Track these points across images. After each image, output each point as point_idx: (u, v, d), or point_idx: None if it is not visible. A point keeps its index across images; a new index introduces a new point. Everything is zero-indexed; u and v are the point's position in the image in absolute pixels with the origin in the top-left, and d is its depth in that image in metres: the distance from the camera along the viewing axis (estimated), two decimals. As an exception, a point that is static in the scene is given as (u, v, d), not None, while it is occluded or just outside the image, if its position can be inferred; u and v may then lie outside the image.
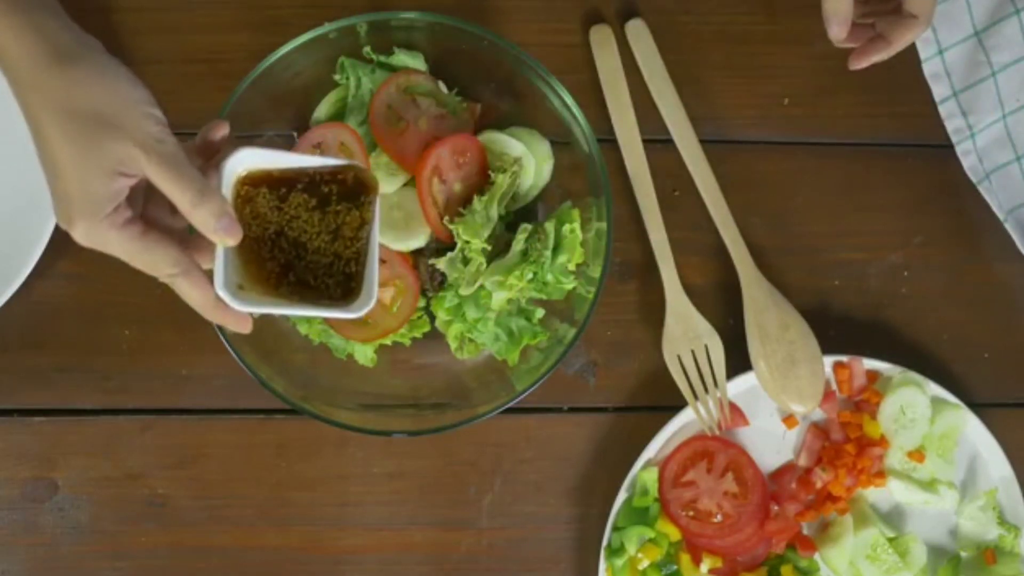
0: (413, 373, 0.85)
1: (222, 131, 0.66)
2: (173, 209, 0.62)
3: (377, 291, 0.67)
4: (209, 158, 0.65)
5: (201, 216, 0.61)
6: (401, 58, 0.82)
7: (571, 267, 0.80)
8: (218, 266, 0.63)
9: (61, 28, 0.60)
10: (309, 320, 0.81)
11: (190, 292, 0.63)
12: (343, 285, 0.68)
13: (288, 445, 0.86)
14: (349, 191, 0.67)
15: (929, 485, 0.88)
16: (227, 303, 0.64)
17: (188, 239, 0.66)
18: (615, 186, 0.88)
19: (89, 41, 0.61)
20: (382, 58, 0.82)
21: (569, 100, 0.79)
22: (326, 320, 0.80)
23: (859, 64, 0.79)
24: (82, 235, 0.60)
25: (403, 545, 0.87)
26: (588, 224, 0.81)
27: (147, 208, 0.65)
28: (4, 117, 0.83)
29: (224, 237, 0.62)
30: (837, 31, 0.76)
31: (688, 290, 0.88)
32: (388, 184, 0.81)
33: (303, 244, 0.67)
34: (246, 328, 0.66)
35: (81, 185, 0.59)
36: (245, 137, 0.79)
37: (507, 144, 0.82)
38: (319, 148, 0.80)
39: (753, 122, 0.91)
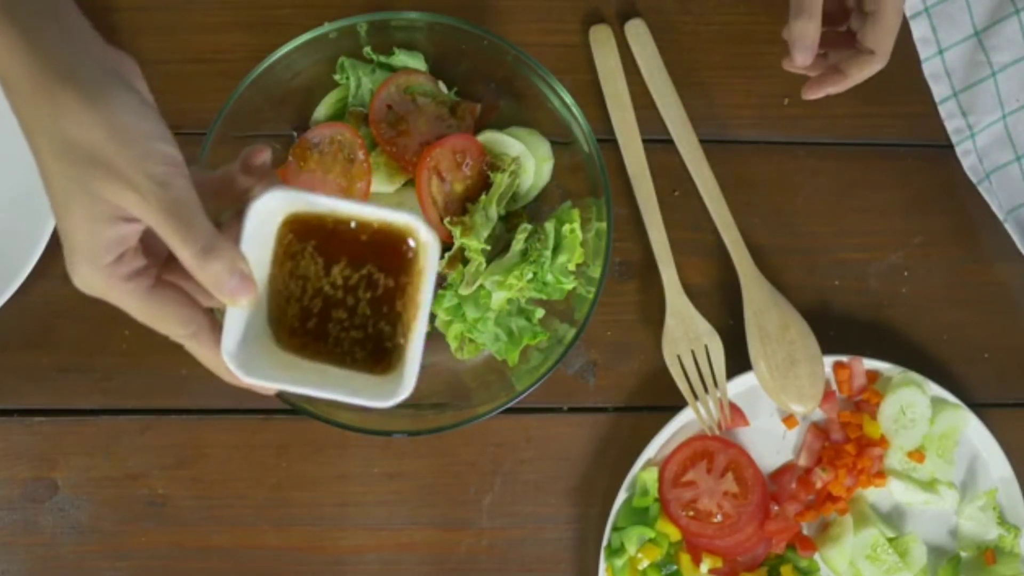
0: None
1: (263, 156, 0.57)
2: None
3: (416, 378, 0.57)
4: (240, 195, 0.56)
5: (206, 276, 0.52)
6: (401, 58, 0.82)
7: (571, 267, 0.80)
8: (227, 329, 0.55)
9: (62, 43, 0.51)
10: None
11: (203, 355, 0.56)
12: (380, 360, 0.59)
13: (288, 445, 0.86)
14: (403, 253, 0.57)
15: (929, 485, 0.88)
16: (235, 374, 0.56)
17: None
18: (615, 186, 0.88)
19: (99, 57, 0.53)
20: (382, 58, 0.82)
21: (569, 100, 0.79)
22: None
23: (813, 95, 0.78)
24: (81, 282, 0.53)
25: (403, 545, 0.87)
26: (588, 224, 0.81)
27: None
28: (4, 117, 0.83)
29: (233, 299, 0.54)
30: (803, 58, 0.73)
31: (688, 290, 0.88)
32: (387, 184, 0.81)
33: (345, 310, 0.58)
34: (270, 393, 0.58)
35: (81, 226, 0.51)
36: (245, 137, 0.79)
37: (506, 144, 0.82)
38: (319, 147, 0.80)
39: (753, 122, 0.91)
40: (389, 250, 0.57)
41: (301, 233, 0.57)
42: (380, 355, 0.59)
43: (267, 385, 0.57)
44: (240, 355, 0.56)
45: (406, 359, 0.57)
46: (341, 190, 0.80)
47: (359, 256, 0.57)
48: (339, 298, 0.58)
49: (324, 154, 0.80)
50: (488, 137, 0.82)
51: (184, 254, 0.52)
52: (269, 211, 0.55)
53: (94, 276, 0.53)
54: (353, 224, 0.57)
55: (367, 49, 0.81)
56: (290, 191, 0.55)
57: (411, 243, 0.57)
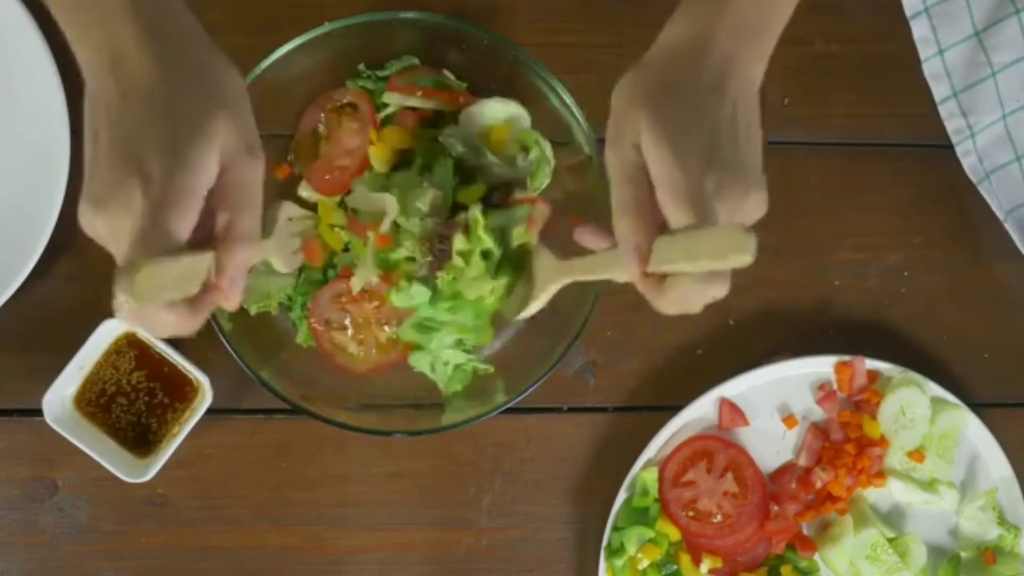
0: (413, 373, 0.85)
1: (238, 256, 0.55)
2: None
3: (157, 469, 0.80)
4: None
5: (239, 257, 0.53)
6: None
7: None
8: (63, 378, 0.80)
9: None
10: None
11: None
12: (141, 445, 0.83)
13: (288, 445, 0.86)
14: (186, 391, 0.83)
15: (929, 485, 0.88)
16: (48, 417, 0.79)
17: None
18: (615, 186, 0.88)
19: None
20: (378, 73, 0.82)
21: (569, 100, 0.79)
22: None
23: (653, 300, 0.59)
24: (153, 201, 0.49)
25: (403, 545, 0.87)
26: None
27: None
28: (4, 117, 0.83)
29: (229, 296, 0.54)
30: (636, 266, 0.56)
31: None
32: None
33: (127, 399, 0.83)
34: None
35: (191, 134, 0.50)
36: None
37: (374, 202, 0.78)
38: (323, 120, 0.81)
39: (753, 122, 0.91)
40: (178, 381, 0.83)
41: (133, 342, 0.82)
42: (143, 442, 0.83)
43: (61, 432, 0.79)
44: (54, 401, 0.80)
45: (158, 454, 0.81)
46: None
47: (156, 375, 0.83)
48: (127, 391, 0.83)
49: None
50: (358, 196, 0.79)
51: (248, 221, 0.53)
52: (117, 324, 0.81)
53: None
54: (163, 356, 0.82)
55: (361, 66, 0.82)
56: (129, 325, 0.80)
57: (195, 386, 0.82)
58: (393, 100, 0.80)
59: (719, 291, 0.54)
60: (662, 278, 0.56)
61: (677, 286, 0.55)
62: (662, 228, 0.55)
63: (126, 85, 0.51)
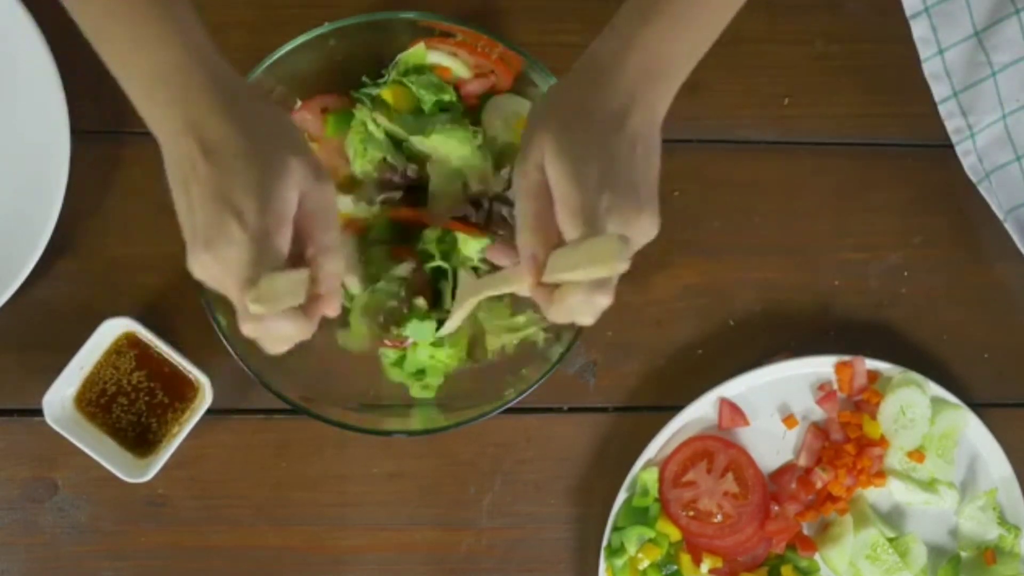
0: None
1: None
2: None
3: (158, 468, 0.81)
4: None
5: (333, 267, 0.60)
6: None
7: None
8: (62, 379, 0.80)
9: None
10: None
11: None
12: (141, 445, 0.83)
13: (288, 445, 0.86)
14: (186, 391, 0.83)
15: (929, 485, 0.88)
16: (48, 417, 0.79)
17: None
18: (615, 186, 0.88)
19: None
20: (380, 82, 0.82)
21: (569, 100, 0.79)
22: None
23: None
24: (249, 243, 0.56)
25: (403, 545, 0.87)
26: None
27: None
28: (4, 117, 0.83)
29: (330, 296, 0.60)
30: (531, 276, 0.60)
31: (688, 290, 0.88)
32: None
33: (128, 399, 0.83)
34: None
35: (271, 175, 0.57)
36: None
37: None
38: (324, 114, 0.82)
39: (753, 122, 0.91)
40: (178, 381, 0.83)
41: (133, 342, 0.83)
42: (143, 442, 0.83)
43: (61, 432, 0.80)
44: (54, 402, 0.80)
45: (158, 454, 0.81)
46: None
47: (157, 375, 0.83)
48: (127, 391, 0.83)
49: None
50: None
51: (330, 237, 0.60)
52: (118, 324, 0.81)
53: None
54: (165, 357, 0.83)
55: (365, 78, 0.82)
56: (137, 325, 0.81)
57: (195, 386, 0.83)
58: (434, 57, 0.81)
59: (603, 300, 0.58)
60: (555, 288, 0.59)
61: (566, 295, 0.58)
62: (561, 243, 0.59)
63: (208, 146, 0.57)
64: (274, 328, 0.58)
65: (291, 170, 0.58)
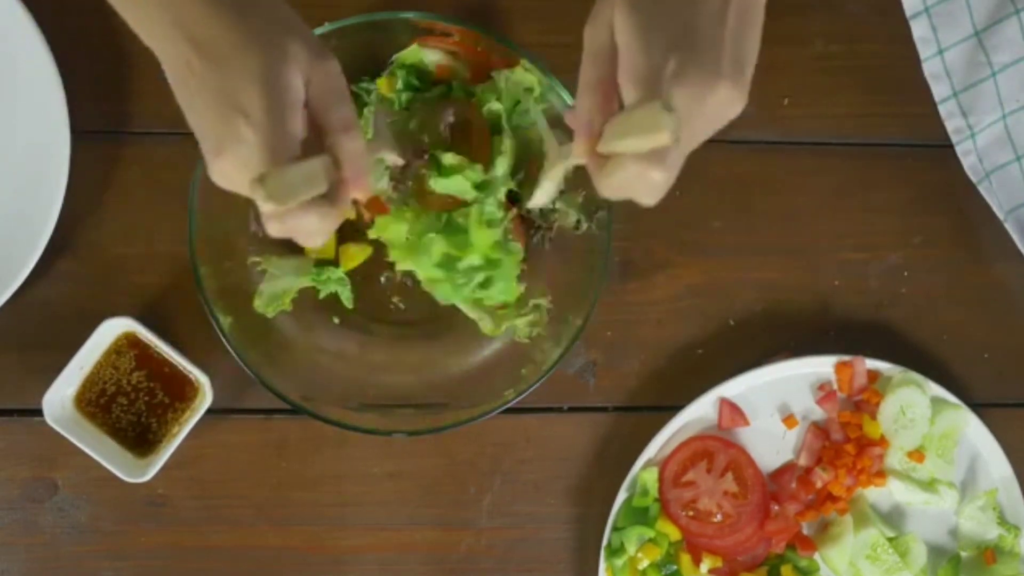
0: (413, 373, 0.85)
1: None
2: None
3: (158, 468, 0.81)
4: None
5: (355, 145, 0.57)
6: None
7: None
8: (63, 378, 0.80)
9: None
10: None
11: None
12: (141, 445, 0.83)
13: (288, 445, 0.86)
14: (186, 391, 0.83)
15: (929, 485, 0.88)
16: (48, 417, 0.79)
17: None
18: (615, 186, 0.88)
19: None
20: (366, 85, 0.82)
21: (569, 100, 0.79)
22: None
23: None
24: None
25: (403, 545, 0.87)
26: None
27: None
28: (4, 117, 0.83)
29: (357, 183, 0.57)
30: (584, 144, 0.56)
31: (688, 290, 0.88)
32: None
33: (127, 399, 0.83)
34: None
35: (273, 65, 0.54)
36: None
37: None
38: None
39: (753, 122, 0.91)
40: (178, 381, 0.82)
41: (133, 342, 0.82)
42: (143, 442, 0.83)
43: (61, 432, 0.79)
44: (54, 402, 0.80)
45: (158, 454, 0.81)
46: None
47: (156, 375, 0.83)
48: (127, 391, 0.83)
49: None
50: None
51: (344, 113, 0.57)
52: (117, 324, 0.81)
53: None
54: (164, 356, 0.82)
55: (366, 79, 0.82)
56: (137, 325, 0.81)
57: (195, 386, 0.82)
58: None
59: (656, 175, 0.51)
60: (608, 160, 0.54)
61: (615, 167, 0.52)
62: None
63: (201, 43, 0.54)
64: (298, 223, 0.55)
65: (291, 55, 0.55)
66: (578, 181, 0.71)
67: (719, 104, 0.52)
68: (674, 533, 0.85)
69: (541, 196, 0.67)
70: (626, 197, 0.54)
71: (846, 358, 0.87)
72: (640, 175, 0.51)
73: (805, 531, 0.88)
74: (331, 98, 0.57)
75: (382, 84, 0.80)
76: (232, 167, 0.54)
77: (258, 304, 0.80)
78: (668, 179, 0.52)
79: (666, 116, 0.48)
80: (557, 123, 0.74)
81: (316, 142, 0.57)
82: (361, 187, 0.57)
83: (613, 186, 0.53)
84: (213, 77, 0.54)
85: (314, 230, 0.56)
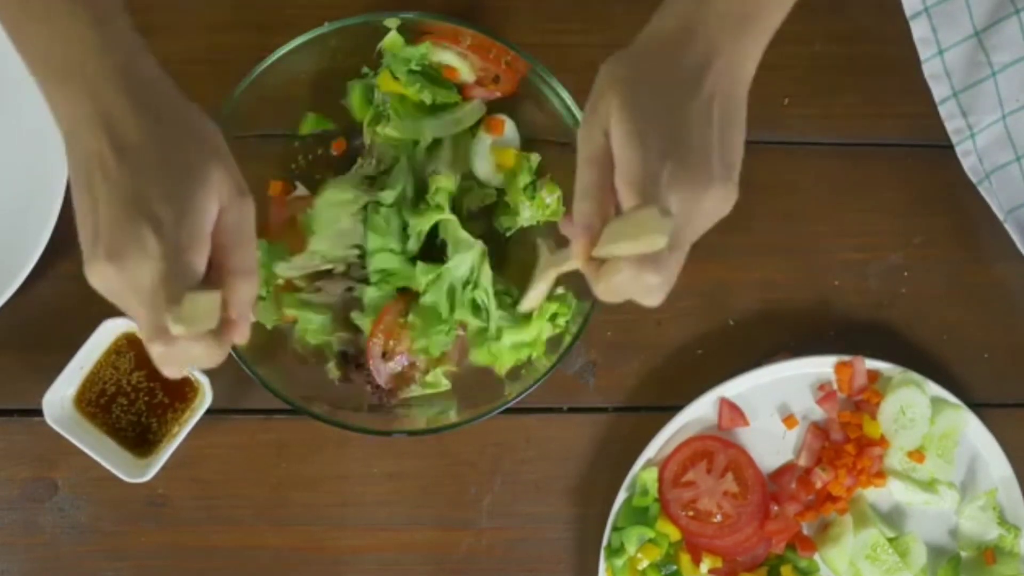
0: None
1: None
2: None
3: (157, 469, 0.81)
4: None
5: (248, 289, 0.56)
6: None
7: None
8: (62, 380, 0.80)
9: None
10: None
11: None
12: (141, 445, 0.83)
13: (288, 445, 0.86)
14: (186, 392, 0.83)
15: (929, 485, 0.88)
16: (48, 417, 0.79)
17: None
18: (615, 186, 0.88)
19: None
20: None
21: (569, 100, 0.79)
22: None
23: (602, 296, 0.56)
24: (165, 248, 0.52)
25: (403, 545, 0.87)
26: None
27: None
28: (4, 116, 0.83)
29: (238, 329, 0.56)
30: (582, 248, 0.55)
31: (688, 290, 0.88)
32: None
33: (128, 399, 0.83)
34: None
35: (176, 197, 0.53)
36: (245, 137, 0.79)
37: None
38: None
39: (753, 122, 0.90)
40: (178, 381, 0.82)
41: (133, 342, 0.83)
42: (143, 442, 0.83)
43: (61, 432, 0.79)
44: (54, 402, 0.80)
45: (158, 454, 0.81)
46: None
47: (156, 375, 0.81)
48: (127, 391, 0.83)
49: None
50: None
51: (247, 258, 0.56)
52: (117, 324, 0.81)
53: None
54: None
55: (365, 69, 0.82)
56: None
57: (195, 386, 0.83)
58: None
59: (652, 278, 0.53)
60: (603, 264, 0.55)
61: (611, 271, 0.53)
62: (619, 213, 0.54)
63: (121, 143, 0.53)
64: (186, 351, 0.53)
65: (213, 180, 0.54)
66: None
67: (713, 204, 0.55)
68: (674, 533, 0.85)
69: (533, 299, 0.68)
70: (624, 299, 0.55)
71: (846, 358, 0.87)
72: (636, 278, 0.53)
73: (805, 531, 0.88)
74: (239, 237, 0.56)
75: (382, 80, 0.80)
76: (119, 276, 0.52)
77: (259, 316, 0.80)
78: (664, 281, 0.54)
79: (663, 220, 0.49)
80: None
81: (208, 274, 0.55)
82: (243, 334, 0.56)
83: (611, 290, 0.54)
84: (127, 181, 0.52)
85: (196, 360, 0.54)
